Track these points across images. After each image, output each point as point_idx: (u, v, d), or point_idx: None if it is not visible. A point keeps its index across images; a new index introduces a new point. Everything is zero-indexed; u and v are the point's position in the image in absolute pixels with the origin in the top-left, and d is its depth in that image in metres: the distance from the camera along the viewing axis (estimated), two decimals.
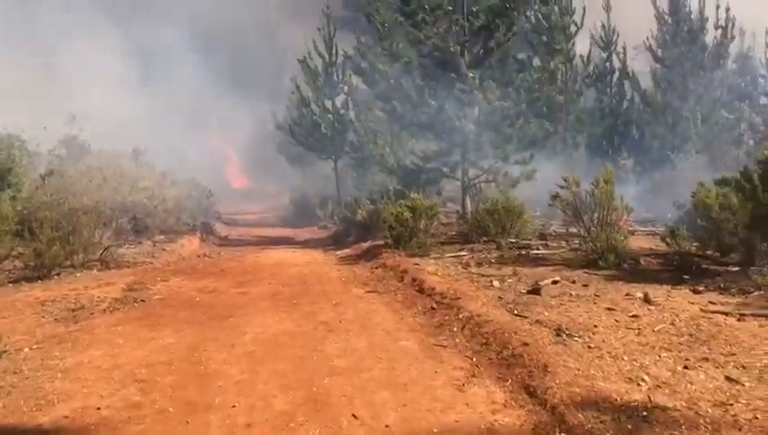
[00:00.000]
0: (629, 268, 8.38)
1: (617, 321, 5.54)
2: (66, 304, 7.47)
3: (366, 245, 12.55)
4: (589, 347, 4.76)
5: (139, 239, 13.39)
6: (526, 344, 4.78)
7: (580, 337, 4.99)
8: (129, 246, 12.58)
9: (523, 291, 7.01)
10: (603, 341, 4.91)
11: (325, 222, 20.63)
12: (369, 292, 7.97)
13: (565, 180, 8.61)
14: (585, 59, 20.84)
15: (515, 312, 5.95)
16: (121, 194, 14.20)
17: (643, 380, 4.06)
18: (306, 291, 8.32)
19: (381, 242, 11.92)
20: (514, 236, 11.03)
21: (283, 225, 23.90)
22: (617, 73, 21.15)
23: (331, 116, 22.38)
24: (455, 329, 5.70)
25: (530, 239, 11.37)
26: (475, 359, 4.85)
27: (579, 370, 4.22)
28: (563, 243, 10.93)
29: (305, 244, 16.04)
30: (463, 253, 10.13)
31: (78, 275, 9.70)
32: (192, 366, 4.99)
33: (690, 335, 5.00)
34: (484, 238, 11.02)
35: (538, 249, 10.01)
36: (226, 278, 9.62)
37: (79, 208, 11.44)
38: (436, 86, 12.89)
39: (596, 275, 7.96)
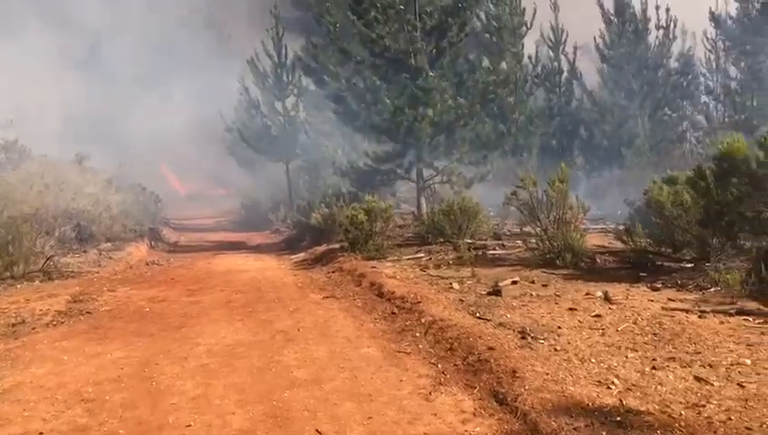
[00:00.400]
0: (587, 267, 8.41)
1: (580, 321, 5.49)
2: (5, 318, 7.04)
3: (321, 249, 12.32)
4: (555, 350, 4.68)
5: (83, 248, 12.84)
6: (492, 349, 4.67)
7: (545, 339, 4.91)
8: (73, 254, 12.06)
9: (484, 293, 6.93)
10: (569, 343, 4.84)
11: (278, 226, 20.29)
12: (327, 297, 7.77)
13: (522, 180, 8.59)
14: (534, 59, 21.02)
15: (478, 314, 5.85)
16: (64, 201, 13.65)
17: (613, 383, 3.98)
18: (261, 298, 8.07)
19: (337, 246, 11.72)
20: (470, 236, 10.99)
21: (234, 229, 23.45)
22: (565, 73, 21.44)
23: (281, 118, 22.05)
24: (417, 334, 5.56)
25: (485, 239, 11.36)
26: (440, 365, 4.71)
27: (547, 374, 4.13)
28: (519, 242, 10.95)
29: (258, 249, 15.70)
30: (420, 255, 10.03)
31: (18, 286, 9.19)
32: (143, 382, 4.71)
33: (654, 335, 4.98)
34: (441, 239, 10.94)
35: (495, 250, 9.98)
36: (177, 287, 9.27)
37: (18, 217, 10.93)
38: (389, 86, 12.76)
39: (554, 274, 7.95)
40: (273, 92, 21.95)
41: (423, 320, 5.82)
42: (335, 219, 12.82)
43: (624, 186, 15.55)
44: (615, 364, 4.33)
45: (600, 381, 4.01)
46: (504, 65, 13.77)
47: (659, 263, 8.20)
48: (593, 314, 5.70)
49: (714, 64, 31.61)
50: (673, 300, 6.22)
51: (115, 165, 18.94)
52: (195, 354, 5.43)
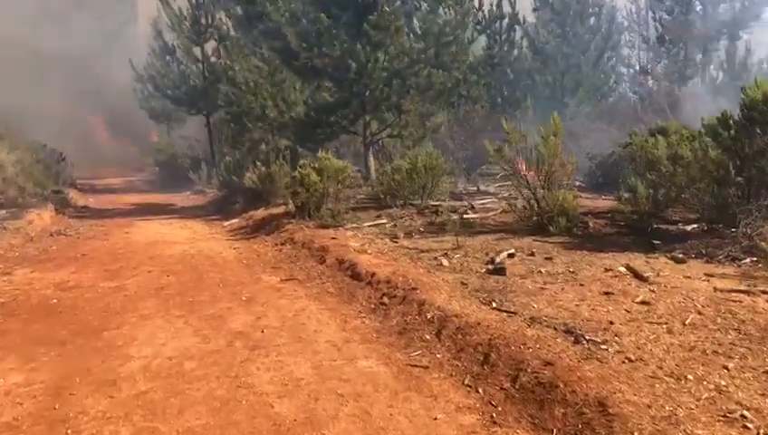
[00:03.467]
0: (581, 233, 7.34)
1: (628, 311, 4.33)
2: None
3: (260, 214, 10.74)
4: (629, 360, 3.49)
5: None
6: (549, 364, 3.43)
7: (606, 344, 3.72)
8: None
9: (482, 270, 5.70)
10: (638, 347, 3.66)
11: (200, 187, 18.34)
12: (286, 280, 6.32)
13: (508, 133, 7.33)
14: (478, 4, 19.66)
15: (494, 305, 4.60)
16: None
17: (743, 416, 2.84)
18: (201, 281, 6.54)
19: (280, 210, 10.20)
20: (432, 198, 9.74)
21: (150, 190, 21.21)
22: (507, 20, 20.26)
23: (200, 65, 19.87)
24: (427, 337, 4.25)
25: (444, 200, 10.15)
26: (481, 390, 3.44)
27: (650, 407, 2.93)
28: (488, 203, 9.82)
29: (182, 213, 13.84)
30: (382, 220, 8.68)
31: None
32: (52, 431, 3.21)
33: (737, 330, 3.88)
34: (401, 202, 9.62)
35: (467, 213, 8.74)
36: (92, 266, 7.56)
37: None
38: (336, 24, 11.13)
39: (549, 242, 6.84)
40: (190, 36, 19.62)
41: (428, 315, 4.50)
42: (275, 180, 11.25)
43: (576, 139, 14.63)
44: (722, 383, 3.18)
45: (725, 416, 2.85)
46: (464, 5, 12.27)
47: (657, 227, 7.25)
48: (637, 299, 4.56)
49: (635, 15, 31.72)
50: (712, 275, 5.19)
51: (7, 117, 16.38)
52: (126, 375, 3.94)
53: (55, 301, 5.89)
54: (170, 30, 20.07)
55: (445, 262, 6.01)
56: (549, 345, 3.69)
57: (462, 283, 5.24)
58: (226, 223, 11.08)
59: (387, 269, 5.70)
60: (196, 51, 19.92)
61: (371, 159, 12.21)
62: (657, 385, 3.16)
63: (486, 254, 6.37)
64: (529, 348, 3.66)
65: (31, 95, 31.31)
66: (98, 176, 25.46)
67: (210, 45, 19.93)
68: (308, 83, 12.47)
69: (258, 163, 12.02)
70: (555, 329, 4.01)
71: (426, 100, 12.05)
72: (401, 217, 8.78)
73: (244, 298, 5.67)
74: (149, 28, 23.00)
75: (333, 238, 7.60)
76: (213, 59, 19.87)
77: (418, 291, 4.93)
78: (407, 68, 11.29)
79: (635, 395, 3.04)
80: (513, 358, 3.59)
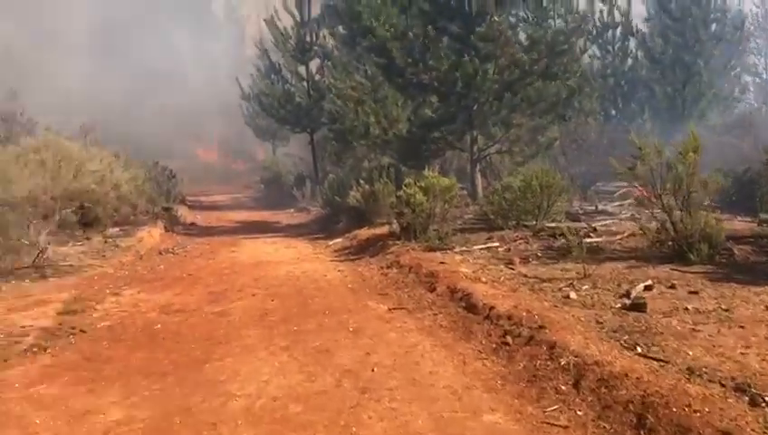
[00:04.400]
0: (726, 261, 6.47)
1: None
2: None
3: (364, 233, 10.41)
4: None
5: (87, 234, 11.06)
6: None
7: None
8: (74, 243, 10.31)
9: (617, 305, 5.02)
10: None
11: (304, 204, 18.36)
12: (395, 309, 5.87)
13: (641, 149, 6.59)
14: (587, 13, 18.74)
15: (639, 350, 3.95)
16: (66, 179, 11.84)
17: None
18: (306, 306, 6.22)
19: (384, 230, 9.82)
20: (548, 218, 9.05)
21: (255, 207, 21.56)
22: (620, 29, 19.20)
23: (305, 83, 20.02)
24: (563, 388, 3.66)
25: (560, 221, 9.42)
26: None
27: None
28: (609, 224, 9.02)
29: (286, 231, 13.81)
30: (494, 244, 8.10)
31: (4, 288, 7.44)
32: None
33: None
34: (513, 223, 8.99)
35: (589, 236, 8.00)
36: (197, 287, 7.46)
37: (5, 201, 9.18)
38: (438, 35, 10.70)
39: (690, 272, 6.03)
40: (295, 55, 19.83)
41: (562, 360, 3.91)
42: (378, 198, 10.92)
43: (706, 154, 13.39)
44: None
45: None
46: (580, 9, 11.54)
47: None
48: None
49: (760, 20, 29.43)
50: None
51: (122, 137, 17.10)
52: (228, 417, 3.60)
53: (159, 326, 5.74)
54: (275, 49, 20.39)
55: (572, 294, 5.37)
56: (720, 408, 3.02)
57: (596, 321, 4.59)
58: (330, 242, 10.84)
59: (507, 302, 5.14)
60: (301, 69, 20.11)
61: (478, 176, 11.65)
62: None
63: (618, 285, 5.68)
64: (696, 412, 3.00)
65: (145, 113, 33.09)
66: (205, 192, 26.26)
67: (314, 64, 20.07)
68: (411, 99, 12.08)
69: (361, 181, 11.74)
70: (722, 385, 3.32)
71: (537, 113, 11.37)
72: (515, 241, 8.16)
73: (351, 329, 5.27)
74: (255, 48, 23.54)
75: (442, 263, 7.10)
76: (317, 77, 19.99)
77: (547, 330, 4.34)
78: (518, 80, 10.68)
79: None
80: (678, 424, 2.95)
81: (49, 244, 8.87)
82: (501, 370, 4.10)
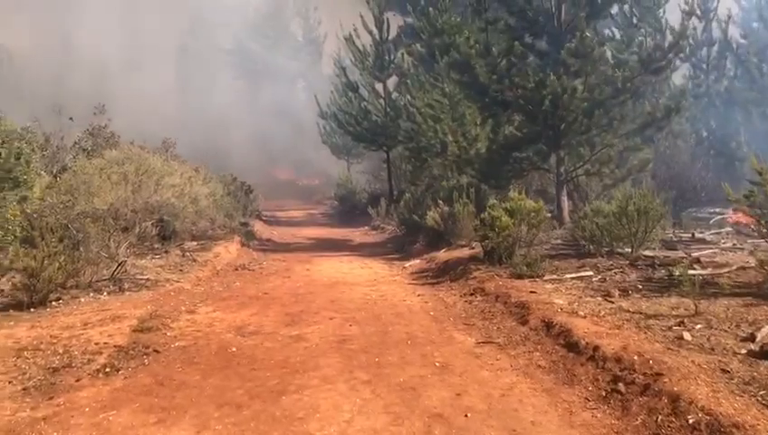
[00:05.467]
0: None
1: None
2: (50, 355, 5.19)
3: (442, 256, 9.98)
4: None
5: (165, 248, 11.10)
6: None
7: None
8: (153, 256, 10.33)
9: (742, 350, 4.40)
10: None
11: (379, 222, 18.09)
12: (484, 343, 5.41)
13: (761, 174, 5.92)
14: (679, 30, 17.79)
15: None
16: (147, 192, 11.97)
17: None
18: (386, 334, 5.84)
19: (464, 253, 9.37)
20: (644, 246, 8.37)
21: (329, 224, 21.50)
22: (716, 46, 18.14)
23: (382, 101, 19.85)
24: None
25: (655, 249, 8.72)
26: None
27: None
28: (714, 255, 8.26)
29: (361, 250, 13.54)
30: (587, 272, 7.51)
31: (82, 300, 7.42)
32: None
33: None
34: (605, 250, 8.36)
35: (692, 268, 7.29)
36: (272, 307, 7.21)
37: (88, 213, 9.26)
38: (524, 51, 10.24)
39: None
40: (372, 73, 19.72)
41: (690, 418, 3.36)
42: (458, 219, 10.47)
43: None
44: None
45: None
46: (679, 27, 10.83)
47: None
48: None
49: None
50: None
51: (202, 152, 17.33)
52: None
53: (234, 349, 5.48)
54: (354, 67, 20.36)
55: (686, 335, 4.77)
56: None
57: (722, 369, 4.00)
58: (407, 264, 10.46)
59: (613, 341, 4.59)
60: (378, 87, 19.97)
61: (565, 198, 11.03)
62: None
63: (737, 325, 5.04)
64: None
65: (222, 131, 33.88)
66: (281, 207, 26.46)
67: (391, 82, 19.90)
68: (492, 117, 11.62)
69: (439, 201, 11.33)
70: None
71: (630, 133, 10.69)
72: (609, 269, 7.54)
73: (437, 363, 4.85)
74: (333, 67, 23.64)
75: (532, 292, 6.59)
76: (394, 95, 19.81)
77: (666, 379, 3.79)
78: (611, 98, 10.06)
79: None
80: None
81: (128, 257, 8.88)
82: (615, 423, 3.58)
